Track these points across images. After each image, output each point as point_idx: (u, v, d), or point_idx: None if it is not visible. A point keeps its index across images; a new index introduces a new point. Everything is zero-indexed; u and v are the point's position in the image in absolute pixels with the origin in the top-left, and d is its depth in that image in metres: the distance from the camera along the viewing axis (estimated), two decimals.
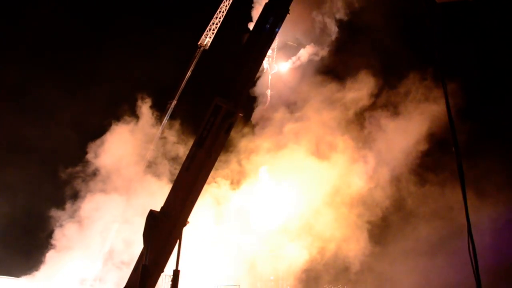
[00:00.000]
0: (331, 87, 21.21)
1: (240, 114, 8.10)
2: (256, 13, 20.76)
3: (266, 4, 8.50)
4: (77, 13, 24.34)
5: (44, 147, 22.06)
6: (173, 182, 8.12)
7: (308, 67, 22.06)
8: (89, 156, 20.70)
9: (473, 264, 4.59)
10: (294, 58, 21.56)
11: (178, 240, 7.68)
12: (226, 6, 23.54)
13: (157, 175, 21.07)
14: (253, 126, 22.08)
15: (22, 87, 23.06)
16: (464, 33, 19.67)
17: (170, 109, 22.79)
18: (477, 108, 20.22)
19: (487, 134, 20.25)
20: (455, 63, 18.22)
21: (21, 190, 21.12)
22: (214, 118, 7.75)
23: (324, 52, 21.85)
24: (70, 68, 24.15)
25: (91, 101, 22.33)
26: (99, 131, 21.08)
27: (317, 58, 21.96)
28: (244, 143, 21.70)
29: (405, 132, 19.55)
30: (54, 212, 20.16)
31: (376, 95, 20.87)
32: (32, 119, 22.75)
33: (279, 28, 8.59)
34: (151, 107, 22.01)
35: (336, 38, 21.69)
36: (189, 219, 7.84)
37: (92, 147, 20.71)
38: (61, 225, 20.00)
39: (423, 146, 19.30)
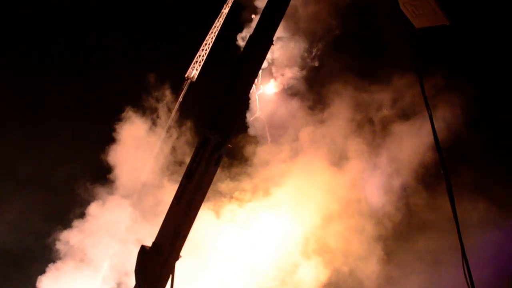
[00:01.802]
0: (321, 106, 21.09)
1: (229, 146, 8.11)
2: (242, 41, 21.09)
3: (250, 36, 8.67)
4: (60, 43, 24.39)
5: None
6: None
7: (296, 85, 21.88)
8: None
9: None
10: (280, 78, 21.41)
11: (171, 275, 7.61)
12: (212, 38, 23.97)
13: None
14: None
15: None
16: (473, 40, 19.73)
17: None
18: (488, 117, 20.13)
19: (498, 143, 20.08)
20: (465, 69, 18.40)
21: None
22: (203, 151, 7.76)
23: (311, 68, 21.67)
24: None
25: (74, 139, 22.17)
26: None
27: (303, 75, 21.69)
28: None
29: (411, 148, 19.26)
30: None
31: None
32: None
33: (264, 58, 8.75)
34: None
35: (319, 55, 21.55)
36: (181, 253, 7.78)
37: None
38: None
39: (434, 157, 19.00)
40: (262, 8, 8.90)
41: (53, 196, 21.27)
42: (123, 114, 21.50)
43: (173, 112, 23.32)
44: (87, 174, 21.45)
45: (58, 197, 21.45)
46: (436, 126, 5.14)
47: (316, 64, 21.52)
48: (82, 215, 20.39)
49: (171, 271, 7.58)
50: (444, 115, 18.20)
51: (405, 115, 19.68)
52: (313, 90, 21.94)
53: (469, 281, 4.61)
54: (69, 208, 20.70)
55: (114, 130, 21.29)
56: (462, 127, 18.47)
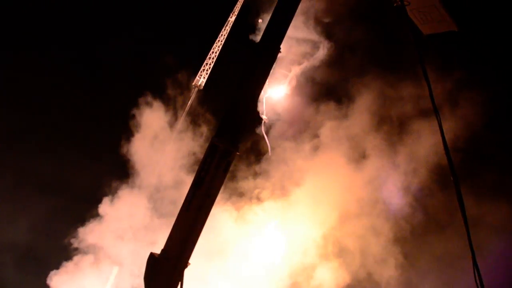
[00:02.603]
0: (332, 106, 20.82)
1: (238, 153, 8.13)
2: (249, 49, 20.84)
3: (257, 44, 8.70)
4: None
5: None
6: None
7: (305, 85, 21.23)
8: None
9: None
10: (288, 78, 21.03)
11: (180, 283, 7.61)
12: (219, 46, 24.10)
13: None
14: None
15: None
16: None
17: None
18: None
19: None
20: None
21: None
22: (211, 158, 7.80)
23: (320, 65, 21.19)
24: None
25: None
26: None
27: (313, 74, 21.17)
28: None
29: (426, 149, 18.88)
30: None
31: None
32: None
33: (272, 66, 8.77)
34: None
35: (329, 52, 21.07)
36: (190, 261, 7.78)
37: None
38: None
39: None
40: (269, 16, 8.97)
41: (73, 195, 21.32)
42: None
43: (181, 120, 23.43)
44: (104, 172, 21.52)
45: (77, 194, 21.51)
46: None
47: (324, 61, 20.98)
48: (99, 212, 20.34)
49: (180, 278, 7.57)
50: (464, 114, 17.90)
51: (424, 112, 19.18)
52: (323, 88, 21.61)
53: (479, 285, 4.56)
54: (88, 206, 20.66)
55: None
56: (482, 127, 18.22)
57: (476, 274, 4.53)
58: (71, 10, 24.06)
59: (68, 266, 19.79)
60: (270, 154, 9.99)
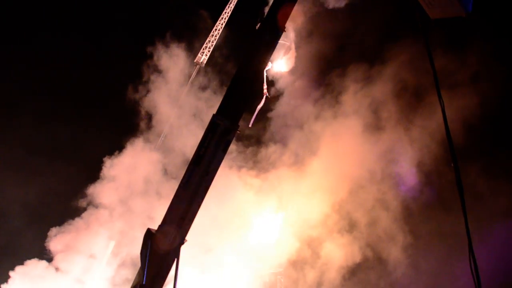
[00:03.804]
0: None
1: (238, 131, 8.11)
2: (254, 27, 20.43)
3: (261, 23, 8.60)
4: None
5: None
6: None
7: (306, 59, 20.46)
8: None
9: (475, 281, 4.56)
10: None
11: (176, 259, 7.67)
12: (222, 24, 23.84)
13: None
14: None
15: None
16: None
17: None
18: None
19: None
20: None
21: None
22: (211, 136, 7.79)
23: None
24: None
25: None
26: None
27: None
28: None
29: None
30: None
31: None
32: None
33: (275, 45, 8.68)
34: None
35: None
36: (187, 238, 7.82)
37: None
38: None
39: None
40: None
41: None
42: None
43: (182, 97, 23.28)
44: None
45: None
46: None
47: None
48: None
49: (177, 255, 7.64)
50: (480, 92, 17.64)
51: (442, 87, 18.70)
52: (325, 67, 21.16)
53: (475, 276, 4.58)
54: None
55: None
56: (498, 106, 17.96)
57: (472, 261, 4.54)
58: None
59: (71, 227, 19.83)
60: (250, 125, 9.96)
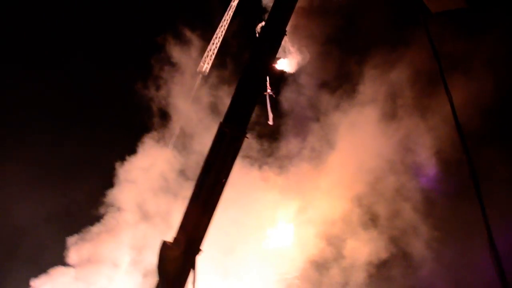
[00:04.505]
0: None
1: (246, 137, 8.12)
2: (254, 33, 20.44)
3: (262, 29, 8.64)
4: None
5: None
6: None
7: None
8: None
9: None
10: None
11: (192, 270, 7.66)
12: (222, 32, 23.87)
13: None
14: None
15: None
16: None
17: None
18: None
19: None
20: None
21: None
22: (220, 145, 7.80)
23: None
24: None
25: None
26: None
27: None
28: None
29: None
30: None
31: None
32: None
33: (277, 51, 8.72)
34: None
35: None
36: (202, 248, 7.82)
37: None
38: None
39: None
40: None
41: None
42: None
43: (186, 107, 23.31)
44: None
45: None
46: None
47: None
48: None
49: (193, 265, 7.63)
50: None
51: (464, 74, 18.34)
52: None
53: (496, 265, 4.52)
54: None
55: None
56: None
57: (492, 252, 4.49)
58: None
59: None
60: (271, 122, 10.04)
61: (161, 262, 7.63)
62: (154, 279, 7.82)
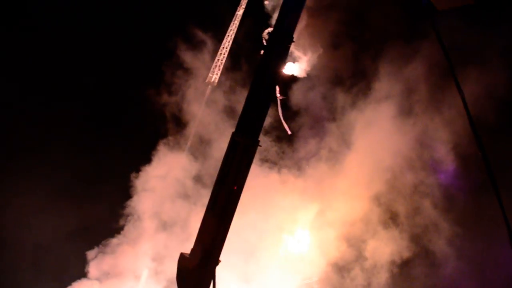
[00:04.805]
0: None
1: (259, 145, 8.14)
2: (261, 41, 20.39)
3: (269, 37, 8.66)
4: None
5: None
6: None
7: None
8: None
9: None
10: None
11: (212, 281, 7.69)
12: (229, 41, 23.92)
13: None
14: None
15: None
16: None
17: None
18: None
19: None
20: None
21: None
22: (233, 155, 7.82)
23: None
24: None
25: None
26: None
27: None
28: None
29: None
30: None
31: None
32: None
33: (286, 58, 8.73)
34: None
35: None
36: (220, 258, 7.84)
37: None
38: None
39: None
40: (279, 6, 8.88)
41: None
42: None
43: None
44: None
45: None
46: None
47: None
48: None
49: (212, 276, 7.66)
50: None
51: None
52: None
53: None
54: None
55: None
56: None
57: None
58: None
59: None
60: (289, 132, 10.08)
61: (180, 274, 7.70)
62: None
